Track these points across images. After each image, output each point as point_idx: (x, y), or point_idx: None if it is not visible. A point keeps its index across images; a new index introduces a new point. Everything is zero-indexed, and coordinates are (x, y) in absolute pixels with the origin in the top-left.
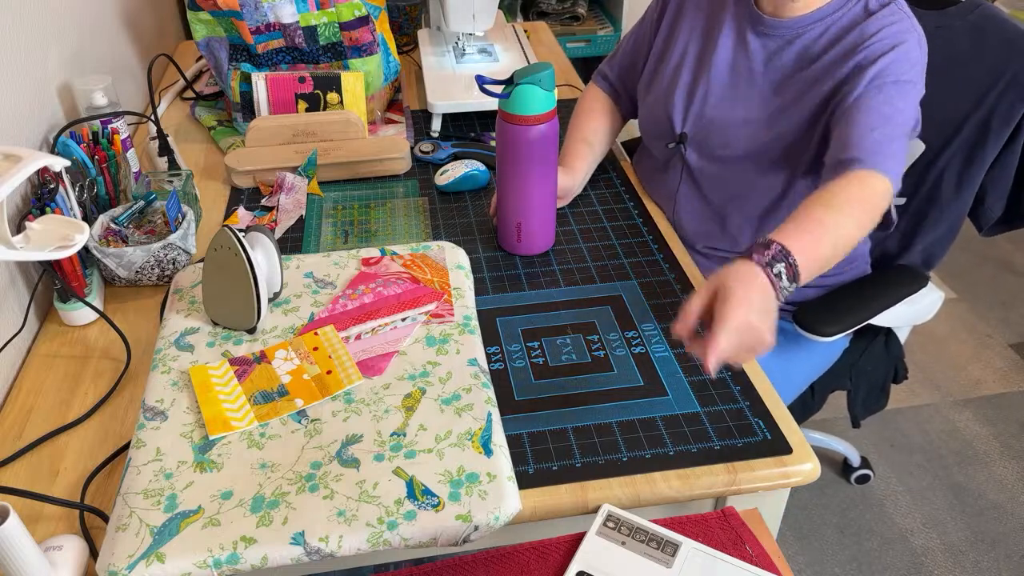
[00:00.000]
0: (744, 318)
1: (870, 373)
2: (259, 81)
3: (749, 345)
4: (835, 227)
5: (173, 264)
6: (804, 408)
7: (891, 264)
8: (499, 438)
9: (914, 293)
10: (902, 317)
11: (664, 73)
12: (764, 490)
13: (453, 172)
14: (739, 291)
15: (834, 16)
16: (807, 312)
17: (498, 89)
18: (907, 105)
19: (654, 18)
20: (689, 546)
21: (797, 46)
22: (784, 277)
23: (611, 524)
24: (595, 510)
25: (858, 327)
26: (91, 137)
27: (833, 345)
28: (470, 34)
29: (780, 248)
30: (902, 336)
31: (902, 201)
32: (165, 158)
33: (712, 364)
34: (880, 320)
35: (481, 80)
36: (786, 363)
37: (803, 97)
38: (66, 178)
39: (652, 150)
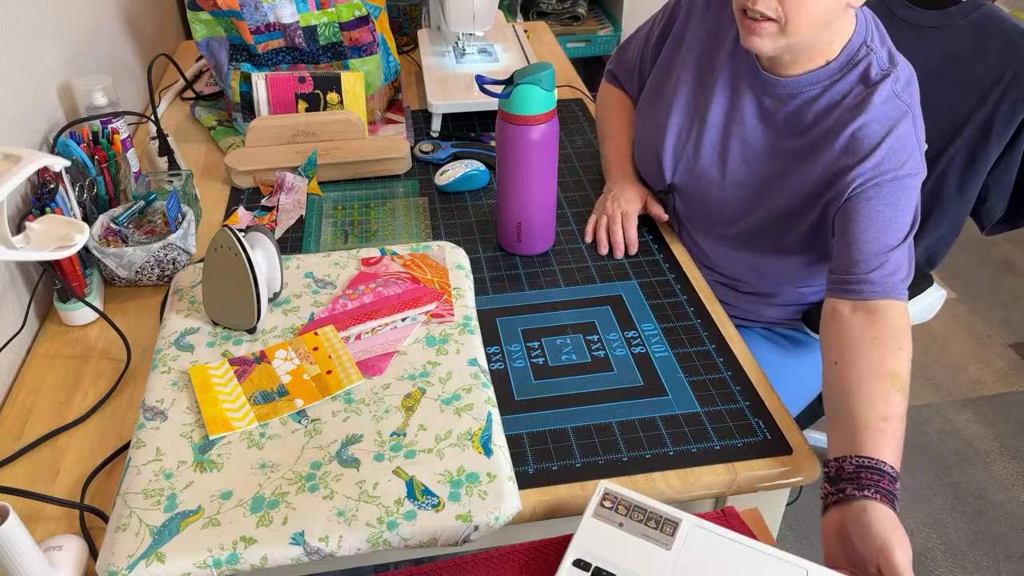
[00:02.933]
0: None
1: None
2: (259, 81)
3: None
4: (902, 404)
5: (173, 264)
6: (811, 414)
7: None
8: (499, 438)
9: (921, 292)
10: None
11: (660, 106)
12: (764, 490)
13: (453, 172)
14: (901, 549)
15: (832, 79)
16: (817, 314)
17: (498, 89)
18: (908, 203)
19: (655, 36)
20: (690, 523)
21: (791, 107)
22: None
23: (608, 503)
24: None
25: None
26: (91, 137)
27: None
28: (470, 34)
29: (892, 473)
30: None
31: None
32: (165, 158)
33: None
34: None
35: (481, 80)
36: (796, 369)
37: (795, 171)
38: (66, 178)
39: (647, 182)
